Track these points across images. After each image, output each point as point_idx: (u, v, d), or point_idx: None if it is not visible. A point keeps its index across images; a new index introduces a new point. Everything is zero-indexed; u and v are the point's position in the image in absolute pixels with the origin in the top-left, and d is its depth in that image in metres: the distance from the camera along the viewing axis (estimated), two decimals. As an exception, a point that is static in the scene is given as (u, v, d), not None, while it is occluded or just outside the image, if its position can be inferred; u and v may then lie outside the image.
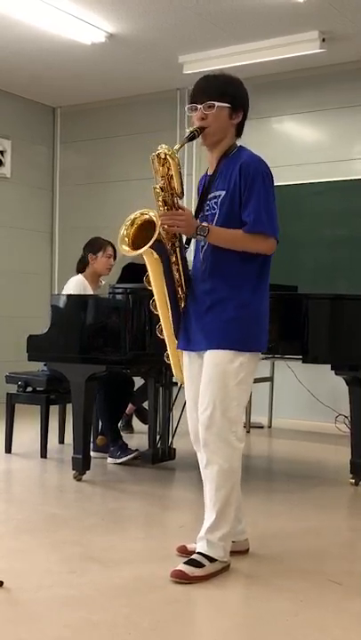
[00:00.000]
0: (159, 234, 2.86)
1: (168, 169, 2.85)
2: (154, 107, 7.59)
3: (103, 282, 5.31)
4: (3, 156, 7.95)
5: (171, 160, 2.84)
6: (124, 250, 2.93)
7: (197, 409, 2.95)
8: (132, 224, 2.94)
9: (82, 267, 5.26)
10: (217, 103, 2.91)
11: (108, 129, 8.07)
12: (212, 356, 2.90)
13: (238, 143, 3.04)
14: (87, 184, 8.26)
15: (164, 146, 2.87)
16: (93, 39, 6.38)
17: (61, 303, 4.50)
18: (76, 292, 4.89)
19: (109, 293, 4.35)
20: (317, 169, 6.76)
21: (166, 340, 3.11)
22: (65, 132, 8.52)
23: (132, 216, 2.94)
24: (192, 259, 3.04)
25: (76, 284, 5.06)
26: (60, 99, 8.24)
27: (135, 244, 2.92)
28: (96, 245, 5.23)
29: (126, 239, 2.94)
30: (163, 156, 2.84)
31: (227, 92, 2.94)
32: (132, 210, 2.96)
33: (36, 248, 8.34)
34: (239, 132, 3.04)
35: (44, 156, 8.51)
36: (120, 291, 4.29)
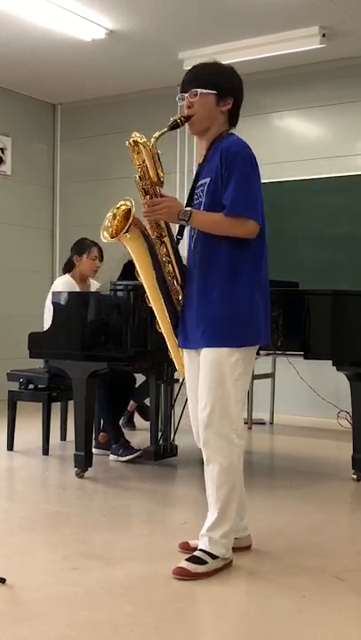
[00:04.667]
0: (139, 223, 2.89)
1: (143, 157, 2.86)
2: (154, 103, 7.56)
3: (98, 283, 5.32)
4: (3, 153, 7.94)
5: (143, 148, 2.86)
6: (104, 236, 2.99)
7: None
8: (114, 217, 2.99)
9: (69, 267, 5.31)
10: (200, 90, 2.89)
11: (108, 126, 8.06)
12: (206, 355, 2.87)
13: (234, 133, 2.99)
14: (88, 181, 8.25)
15: (136, 134, 2.88)
16: (93, 36, 6.37)
17: (63, 300, 4.49)
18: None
19: (111, 290, 4.35)
20: (319, 165, 6.75)
21: (164, 335, 3.08)
22: (65, 129, 8.51)
23: (112, 212, 2.99)
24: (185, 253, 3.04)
25: (64, 285, 5.08)
26: (61, 96, 8.23)
27: (118, 234, 2.96)
28: (81, 247, 5.28)
29: (110, 229, 2.99)
30: (134, 144, 2.86)
31: (213, 80, 2.91)
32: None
33: (36, 246, 8.34)
34: (233, 120, 2.99)
35: (44, 153, 8.50)
36: (121, 287, 4.28)
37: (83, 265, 5.24)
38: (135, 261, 3.04)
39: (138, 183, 2.89)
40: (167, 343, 3.11)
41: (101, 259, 5.27)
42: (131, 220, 2.91)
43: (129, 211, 2.94)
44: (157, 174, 2.88)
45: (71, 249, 5.37)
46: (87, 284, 5.34)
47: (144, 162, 2.87)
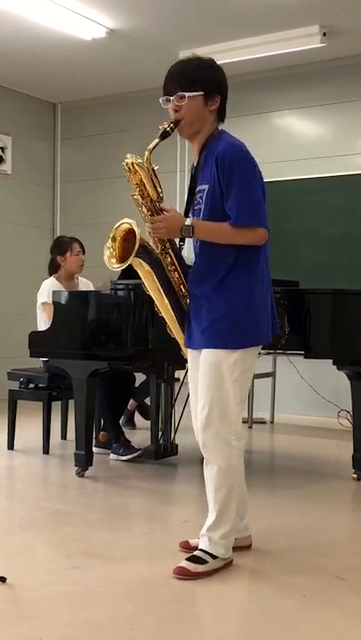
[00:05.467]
0: (142, 240, 2.85)
1: (140, 177, 2.83)
2: (154, 102, 7.52)
3: (98, 282, 5.33)
4: (3, 152, 7.94)
5: (139, 168, 2.83)
6: (112, 263, 2.93)
7: None
8: (113, 240, 2.94)
9: (53, 269, 5.32)
10: (187, 94, 2.82)
11: (109, 125, 8.06)
12: (206, 355, 2.87)
13: (223, 128, 2.95)
14: (88, 180, 8.24)
15: (129, 155, 2.85)
16: (94, 35, 6.36)
17: (63, 299, 4.49)
18: (50, 296, 4.75)
19: (111, 289, 4.35)
20: (319, 164, 6.74)
21: (178, 340, 3.09)
22: (66, 128, 8.51)
23: (111, 234, 2.95)
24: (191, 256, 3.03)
25: (50, 288, 5.06)
26: (61, 95, 8.23)
27: (124, 257, 2.91)
28: (63, 246, 5.32)
29: (114, 254, 2.93)
30: (130, 166, 2.83)
31: (198, 79, 2.83)
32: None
33: (37, 245, 8.31)
34: (221, 116, 2.94)
35: (44, 152, 8.49)
36: (122, 287, 4.28)
37: (68, 263, 5.27)
38: (142, 278, 3.00)
39: (138, 201, 2.86)
40: (182, 347, 3.10)
41: (84, 252, 5.30)
42: (137, 244, 2.83)
43: (129, 230, 2.89)
44: (157, 191, 2.85)
45: (51, 250, 5.39)
46: (75, 282, 5.35)
47: (142, 181, 2.84)
